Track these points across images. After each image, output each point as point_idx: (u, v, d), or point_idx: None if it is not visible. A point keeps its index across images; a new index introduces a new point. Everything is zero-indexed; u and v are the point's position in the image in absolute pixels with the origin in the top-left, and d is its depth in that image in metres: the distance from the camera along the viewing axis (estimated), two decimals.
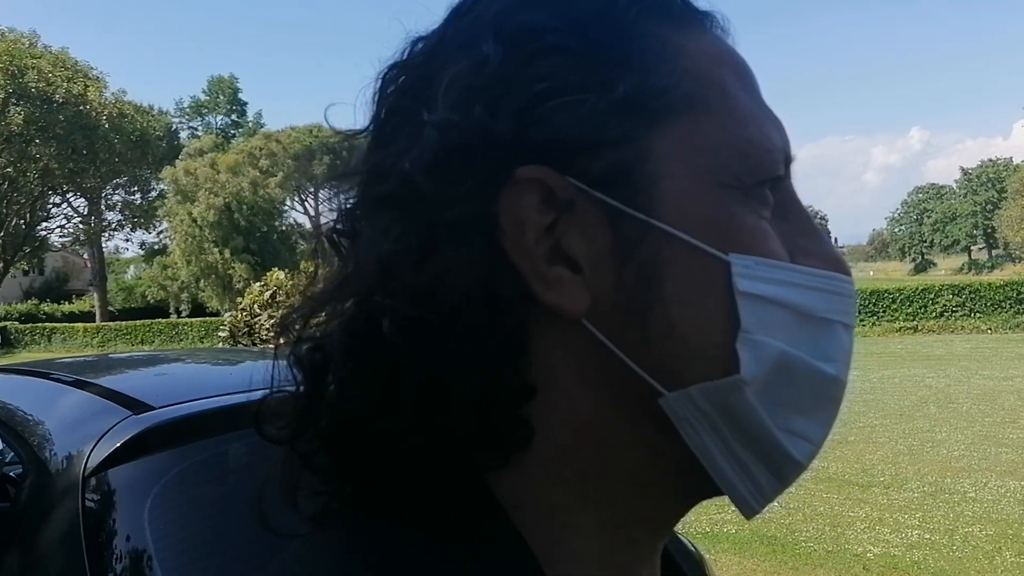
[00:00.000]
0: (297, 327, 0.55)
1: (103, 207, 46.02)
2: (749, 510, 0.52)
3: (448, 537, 0.48)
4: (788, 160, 0.54)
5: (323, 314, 0.54)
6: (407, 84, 0.53)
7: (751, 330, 0.49)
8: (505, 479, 0.50)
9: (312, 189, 46.48)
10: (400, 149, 0.50)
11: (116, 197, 46.54)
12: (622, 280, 0.49)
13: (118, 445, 1.69)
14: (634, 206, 0.49)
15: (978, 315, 23.56)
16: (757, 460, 0.50)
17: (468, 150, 0.48)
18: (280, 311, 0.60)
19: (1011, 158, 76.39)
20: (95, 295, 46.73)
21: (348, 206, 0.55)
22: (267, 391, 0.55)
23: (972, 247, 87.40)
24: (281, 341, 0.55)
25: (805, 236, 0.53)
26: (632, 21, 0.52)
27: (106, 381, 2.22)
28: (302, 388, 0.53)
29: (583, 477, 0.51)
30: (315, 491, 0.53)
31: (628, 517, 0.53)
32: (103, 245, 48.69)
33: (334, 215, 0.56)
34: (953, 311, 23.89)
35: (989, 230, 74.44)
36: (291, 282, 12.87)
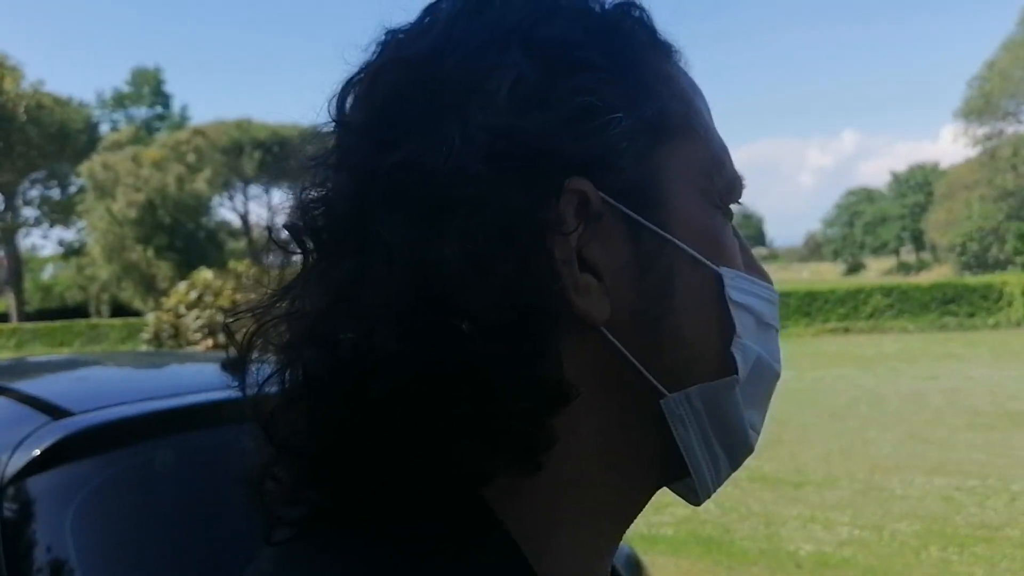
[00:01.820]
0: (278, 329, 0.53)
1: (19, 203, 44.59)
2: (705, 494, 0.57)
3: (445, 553, 0.48)
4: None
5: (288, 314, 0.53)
6: (416, 77, 0.52)
7: (741, 335, 0.55)
8: (505, 490, 0.51)
9: (242, 185, 45.65)
10: (431, 145, 0.49)
11: (33, 192, 45.19)
12: (640, 290, 0.52)
13: (37, 452, 1.62)
14: (653, 221, 0.52)
15: (906, 316, 24.45)
16: (724, 451, 0.56)
17: (528, 155, 0.49)
18: (249, 309, 0.55)
19: (938, 163, 79.24)
20: (10, 295, 45.15)
21: (330, 195, 0.53)
22: (233, 391, 0.54)
23: (901, 249, 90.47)
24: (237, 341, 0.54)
25: (744, 251, 0.59)
26: (639, 46, 0.55)
27: (23, 385, 2.14)
28: (313, 395, 0.51)
29: (574, 479, 0.53)
30: (295, 498, 0.53)
31: (600, 512, 0.55)
32: (19, 243, 47.11)
33: (292, 211, 0.54)
34: (883, 312, 24.73)
35: (917, 233, 77.09)
36: (219, 282, 12.65)
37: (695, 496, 0.58)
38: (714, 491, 0.58)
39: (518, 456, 0.50)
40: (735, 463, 0.58)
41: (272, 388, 0.53)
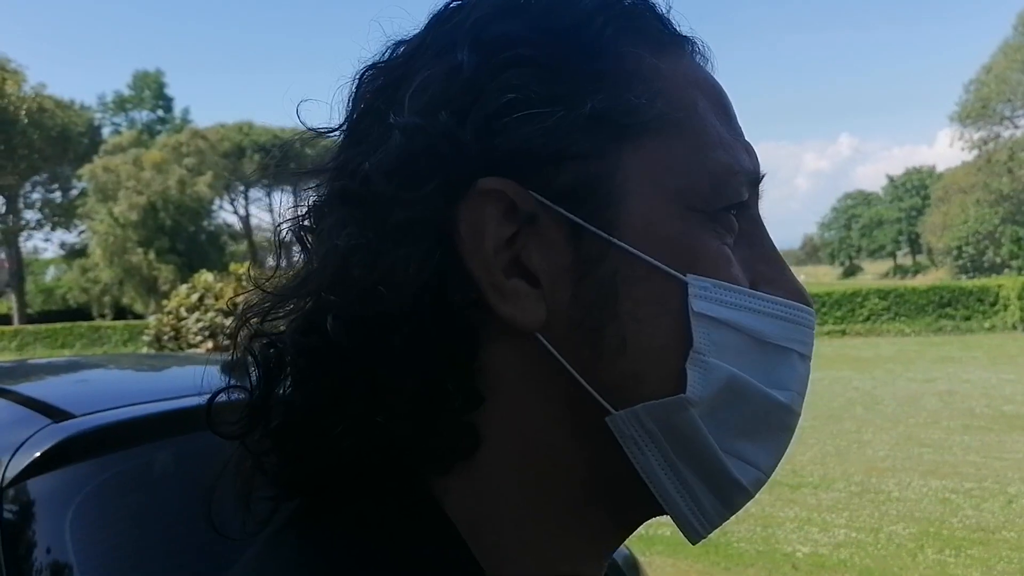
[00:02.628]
0: (253, 323, 0.54)
1: (21, 205, 44.50)
2: (694, 533, 0.52)
3: (393, 551, 0.48)
4: (756, 180, 0.55)
5: (282, 311, 0.54)
6: (382, 85, 0.53)
7: (702, 351, 0.49)
8: (453, 489, 0.50)
9: (243, 188, 45.61)
10: (367, 149, 0.50)
11: (35, 195, 45.10)
12: (579, 296, 0.49)
13: (37, 455, 1.61)
14: (597, 223, 0.49)
15: (903, 319, 24.39)
16: (702, 482, 0.51)
17: (431, 155, 0.48)
18: (239, 307, 0.57)
19: (934, 166, 79.12)
20: (12, 297, 45.08)
21: (314, 202, 0.55)
22: (210, 392, 0.54)
23: (897, 252, 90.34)
24: (229, 339, 0.56)
25: (767, 264, 0.54)
26: (608, 39, 0.52)
27: (25, 388, 2.13)
28: (256, 384, 0.53)
29: (528, 491, 0.51)
30: (266, 496, 0.54)
31: (572, 534, 0.52)
32: (21, 245, 47.04)
33: (299, 211, 0.56)
34: (879, 315, 24.67)
35: (914, 236, 77.09)
36: (220, 284, 12.66)
37: (686, 534, 0.53)
38: (703, 529, 0.52)
39: (436, 455, 0.50)
40: (723, 499, 0.52)
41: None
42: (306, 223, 0.55)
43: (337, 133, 0.56)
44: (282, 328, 0.54)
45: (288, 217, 0.57)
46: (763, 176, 0.56)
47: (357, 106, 0.55)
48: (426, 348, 0.48)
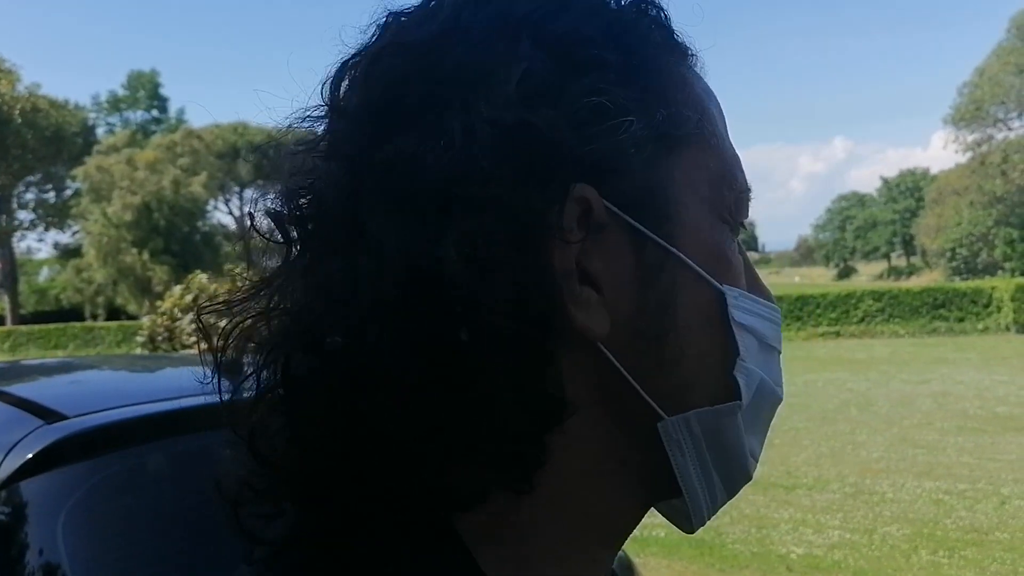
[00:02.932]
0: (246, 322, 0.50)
1: (15, 205, 44.37)
2: (699, 521, 0.54)
3: (404, 569, 0.47)
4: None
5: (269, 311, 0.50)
6: (420, 66, 0.48)
7: (745, 358, 0.51)
8: (482, 525, 0.48)
9: (237, 189, 45.53)
10: (434, 136, 0.45)
11: (28, 195, 44.97)
12: (642, 306, 0.49)
13: (30, 456, 1.62)
14: (659, 234, 0.49)
15: (897, 320, 24.42)
16: (719, 476, 0.53)
17: (537, 153, 0.46)
18: (230, 311, 0.52)
19: (928, 168, 79.33)
20: (6, 298, 44.91)
21: (338, 191, 0.48)
22: (211, 393, 0.51)
23: (891, 254, 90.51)
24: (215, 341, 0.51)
25: (748, 272, 0.56)
26: (655, 47, 0.52)
27: (17, 389, 2.13)
28: (293, 399, 0.49)
29: (565, 500, 0.50)
30: (273, 513, 0.51)
31: (592, 538, 0.52)
32: (14, 245, 46.89)
33: (277, 201, 0.51)
34: (874, 316, 24.71)
35: (908, 238, 77.21)
36: (214, 285, 12.62)
37: (688, 523, 0.55)
38: (708, 519, 0.54)
39: (510, 475, 0.47)
40: (732, 492, 0.55)
41: (248, 391, 0.50)
42: (309, 213, 0.49)
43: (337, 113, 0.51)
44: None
45: (275, 199, 0.51)
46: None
47: (376, 88, 0.49)
48: (527, 360, 0.46)
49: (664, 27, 0.54)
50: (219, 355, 0.51)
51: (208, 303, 0.53)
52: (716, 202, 0.52)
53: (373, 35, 0.52)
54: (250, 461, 0.49)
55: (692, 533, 0.56)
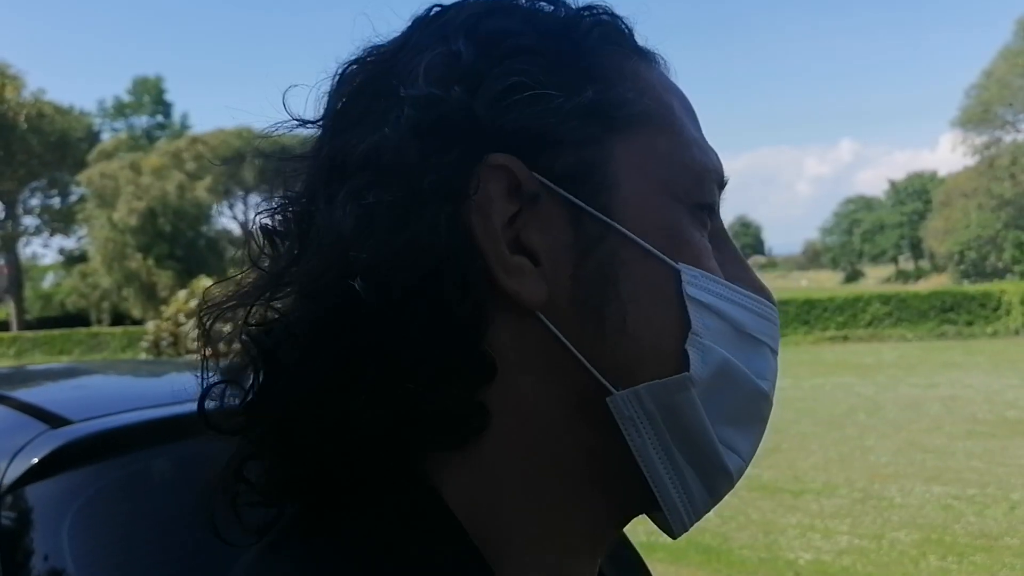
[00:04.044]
0: (237, 314, 0.54)
1: (20, 211, 44.58)
2: (679, 524, 0.53)
3: (400, 561, 0.48)
4: (722, 184, 0.58)
5: (258, 302, 0.53)
6: (370, 76, 0.54)
7: (700, 333, 0.51)
8: (452, 479, 0.50)
9: (242, 194, 45.67)
10: (366, 129, 0.51)
11: (34, 201, 45.18)
12: (580, 276, 0.50)
13: (34, 461, 1.60)
14: (595, 206, 0.51)
15: (905, 324, 24.37)
16: (692, 469, 0.52)
17: (447, 125, 0.49)
18: (215, 304, 0.56)
19: (936, 171, 78.98)
20: (11, 303, 45.10)
21: (296, 192, 0.55)
22: (205, 396, 0.54)
23: (899, 257, 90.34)
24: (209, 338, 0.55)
25: (735, 265, 0.57)
26: (595, 40, 0.55)
27: (22, 394, 2.11)
28: (254, 373, 0.52)
29: (529, 474, 0.51)
30: (259, 503, 0.53)
31: (568, 526, 0.53)
32: (20, 251, 47.10)
33: (270, 210, 0.56)
34: (881, 320, 24.67)
35: (916, 241, 77.07)
36: (218, 290, 12.66)
37: (667, 525, 0.54)
38: (689, 519, 0.53)
39: (441, 432, 0.50)
40: (712, 489, 0.53)
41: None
42: (290, 212, 0.54)
43: (316, 127, 0.56)
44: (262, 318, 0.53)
45: (264, 209, 0.56)
46: (727, 181, 0.59)
47: (339, 98, 0.55)
48: (446, 317, 0.48)
49: (614, 29, 0.57)
50: (217, 358, 0.55)
51: (206, 307, 0.56)
52: (669, 182, 0.53)
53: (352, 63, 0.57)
54: (240, 451, 0.53)
55: (675, 538, 0.55)
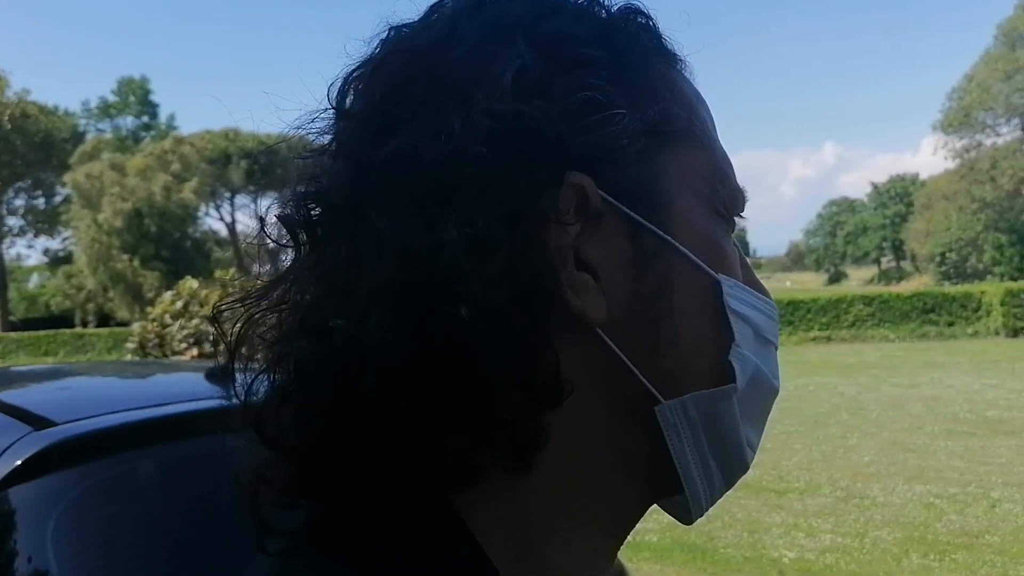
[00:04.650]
0: (260, 315, 0.53)
1: (4, 212, 44.19)
2: (698, 513, 0.56)
3: (414, 567, 0.48)
4: (744, 199, 0.60)
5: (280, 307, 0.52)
6: (419, 67, 0.51)
7: (740, 344, 0.53)
8: (482, 503, 0.50)
9: (228, 195, 45.43)
10: (430, 130, 0.48)
11: (18, 202, 44.78)
12: (637, 291, 0.51)
13: (18, 463, 1.61)
14: (653, 222, 0.52)
15: (887, 325, 24.46)
16: (718, 466, 0.54)
17: (531, 141, 0.48)
18: (240, 304, 0.54)
19: (918, 174, 79.31)
20: None
21: (326, 186, 0.52)
22: (209, 398, 0.52)
23: (882, 259, 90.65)
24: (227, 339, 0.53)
25: (744, 267, 0.58)
26: (643, 50, 0.55)
27: (6, 395, 2.12)
28: (305, 387, 0.50)
29: (566, 484, 0.51)
30: (289, 504, 0.52)
31: (594, 526, 0.54)
32: (4, 252, 46.69)
33: (291, 201, 0.53)
34: (864, 321, 24.75)
35: (897, 243, 77.46)
36: (205, 291, 12.59)
37: (687, 514, 0.56)
38: (707, 509, 0.56)
39: (509, 453, 0.49)
40: (730, 481, 0.56)
41: (262, 388, 0.52)
42: (316, 212, 0.52)
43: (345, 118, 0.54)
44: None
45: (284, 204, 0.54)
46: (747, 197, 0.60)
47: (375, 91, 0.52)
48: (531, 340, 0.48)
49: (652, 32, 0.57)
50: (235, 351, 0.53)
51: (223, 302, 0.55)
52: (710, 196, 0.55)
53: (376, 47, 0.55)
54: (263, 452, 0.52)
55: (690, 524, 0.57)
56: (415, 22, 0.55)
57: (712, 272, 0.53)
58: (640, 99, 0.52)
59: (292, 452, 0.51)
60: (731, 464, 0.55)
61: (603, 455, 0.52)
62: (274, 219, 0.54)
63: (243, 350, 0.53)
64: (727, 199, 0.56)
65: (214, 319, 0.55)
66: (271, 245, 0.55)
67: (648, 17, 0.57)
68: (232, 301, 0.54)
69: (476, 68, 0.50)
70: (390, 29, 0.55)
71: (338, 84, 0.54)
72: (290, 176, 0.54)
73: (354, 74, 0.54)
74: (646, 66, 0.55)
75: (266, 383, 0.52)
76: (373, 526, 0.49)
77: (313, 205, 0.53)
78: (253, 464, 0.53)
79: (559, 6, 0.54)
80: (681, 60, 0.59)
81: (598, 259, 0.50)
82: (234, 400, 0.53)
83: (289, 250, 0.54)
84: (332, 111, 0.54)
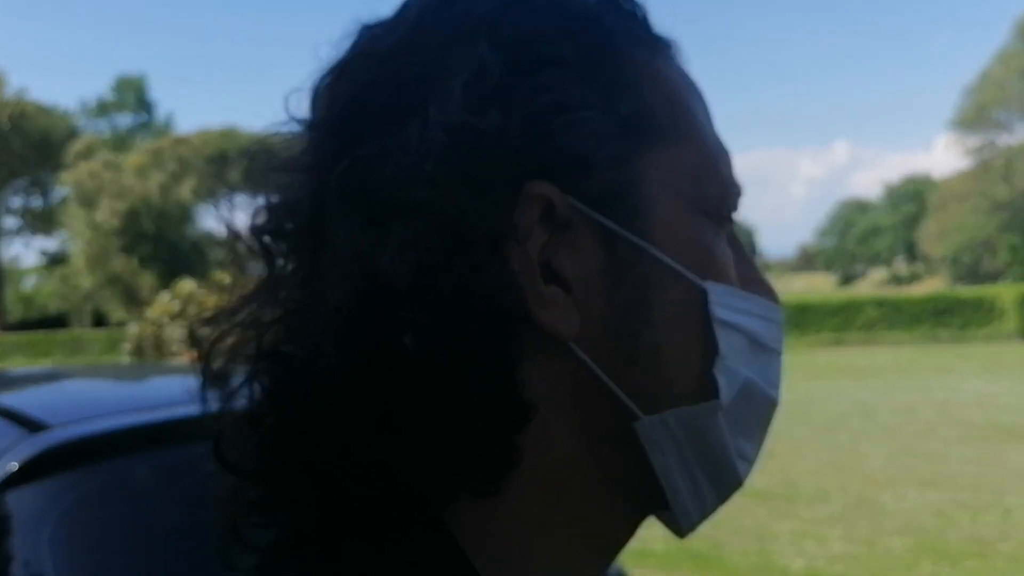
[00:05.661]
0: (230, 338, 0.51)
1: (1, 211, 44.43)
2: (688, 528, 0.54)
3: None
4: (740, 195, 0.57)
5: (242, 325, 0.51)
6: (379, 77, 0.50)
7: (726, 356, 0.51)
8: (466, 517, 0.49)
9: (226, 195, 45.49)
10: (391, 141, 0.47)
11: (15, 201, 45.02)
12: (613, 303, 0.49)
13: (14, 467, 1.60)
14: (630, 230, 0.49)
15: (899, 328, 24.52)
16: (708, 481, 0.52)
17: (484, 155, 0.46)
18: (210, 320, 0.53)
19: (930, 174, 79.03)
20: None
21: (294, 199, 0.51)
22: (198, 405, 0.52)
23: (894, 260, 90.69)
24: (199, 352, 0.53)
25: (743, 264, 0.55)
26: (621, 40, 0.52)
27: (1, 399, 2.10)
28: (266, 408, 0.49)
29: (547, 503, 0.50)
30: (260, 523, 0.51)
31: (580, 543, 0.52)
32: (0, 253, 46.93)
33: (258, 215, 0.53)
34: (876, 324, 24.81)
35: (910, 244, 77.52)
36: (202, 293, 12.58)
37: (679, 528, 0.55)
38: (699, 523, 0.54)
39: (476, 477, 0.48)
40: (722, 496, 0.54)
41: (239, 402, 0.51)
42: (288, 226, 0.51)
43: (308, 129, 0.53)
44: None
45: (258, 215, 0.53)
46: (743, 192, 0.58)
47: (340, 99, 0.51)
48: (490, 364, 0.46)
49: (634, 20, 0.54)
50: (205, 367, 0.52)
51: (198, 316, 0.54)
52: (697, 197, 0.52)
53: (345, 49, 0.53)
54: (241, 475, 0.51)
55: (683, 537, 0.56)
56: (386, 20, 0.53)
57: (697, 280, 0.50)
58: (613, 98, 0.50)
59: (253, 476, 0.50)
60: (722, 479, 0.53)
61: (584, 472, 0.51)
62: (248, 232, 0.53)
63: (216, 367, 0.52)
64: (717, 197, 0.53)
65: (189, 332, 0.54)
66: (246, 258, 0.54)
67: (632, 2, 0.55)
68: (204, 320, 0.53)
69: (436, 73, 0.48)
70: (361, 29, 0.53)
71: (311, 91, 0.53)
72: (267, 183, 0.53)
73: (322, 82, 0.53)
74: (622, 59, 0.52)
75: (243, 397, 0.51)
76: (354, 538, 0.48)
77: (285, 216, 0.52)
78: (230, 482, 0.51)
79: (528, 1, 0.52)
80: (670, 45, 0.56)
81: (570, 270, 0.48)
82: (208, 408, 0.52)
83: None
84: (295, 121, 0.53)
